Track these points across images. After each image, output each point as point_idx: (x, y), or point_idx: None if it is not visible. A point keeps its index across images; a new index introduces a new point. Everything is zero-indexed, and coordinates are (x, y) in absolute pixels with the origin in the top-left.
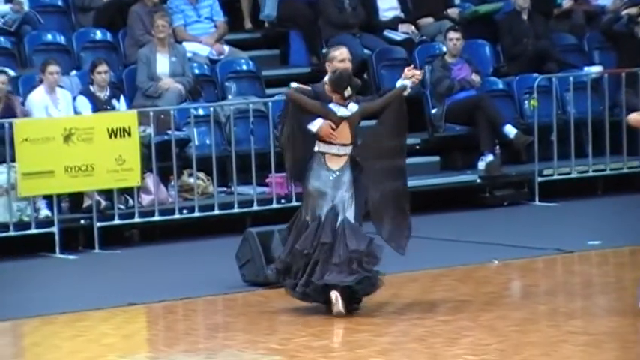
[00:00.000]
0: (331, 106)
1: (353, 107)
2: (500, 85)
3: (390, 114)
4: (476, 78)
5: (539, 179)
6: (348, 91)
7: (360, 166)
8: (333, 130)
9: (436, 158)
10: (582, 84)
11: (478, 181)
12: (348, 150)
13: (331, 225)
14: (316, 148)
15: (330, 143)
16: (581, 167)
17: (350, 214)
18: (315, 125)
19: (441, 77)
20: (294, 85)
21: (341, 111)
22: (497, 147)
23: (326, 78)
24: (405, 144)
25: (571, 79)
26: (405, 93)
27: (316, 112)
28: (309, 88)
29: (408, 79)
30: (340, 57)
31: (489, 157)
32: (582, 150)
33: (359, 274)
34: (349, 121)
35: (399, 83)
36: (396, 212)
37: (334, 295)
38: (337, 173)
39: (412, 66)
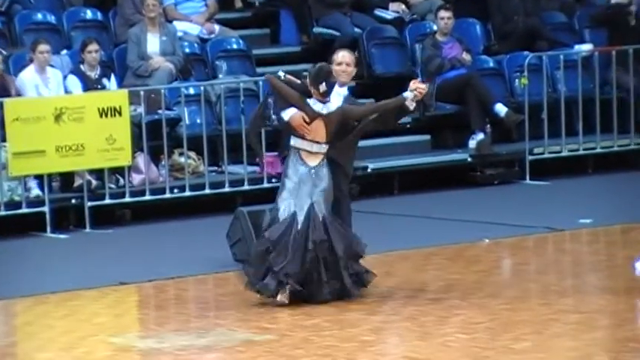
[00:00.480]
0: (309, 100)
1: (332, 107)
2: (491, 64)
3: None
4: (466, 57)
5: (530, 157)
6: (322, 87)
7: (336, 163)
8: (307, 123)
9: (427, 137)
10: (573, 62)
11: (469, 159)
12: (322, 148)
13: (319, 222)
14: (291, 142)
15: (303, 138)
16: (572, 145)
17: (327, 210)
18: (288, 113)
19: (431, 56)
20: (281, 74)
21: (317, 107)
22: (488, 125)
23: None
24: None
25: (562, 57)
26: (411, 107)
27: (292, 102)
28: (299, 81)
29: (411, 91)
30: (338, 60)
31: (480, 136)
32: (573, 128)
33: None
34: (325, 119)
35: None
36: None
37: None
38: (314, 169)
39: (418, 80)
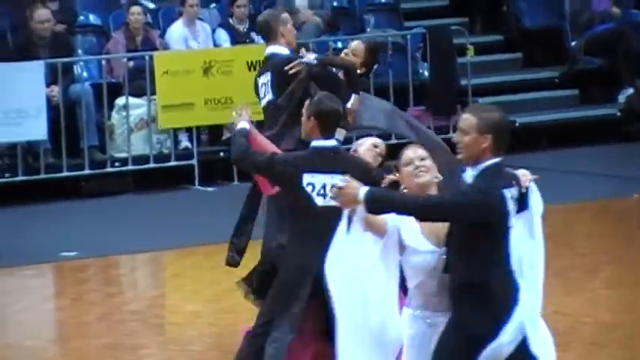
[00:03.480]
0: None
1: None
2: None
3: None
4: (616, 10)
5: None
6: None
7: None
8: None
9: (575, 91)
10: None
11: (618, 114)
12: None
13: None
14: None
15: None
16: None
17: None
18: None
19: (580, 9)
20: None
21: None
22: (638, 80)
23: None
24: None
25: None
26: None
27: None
28: None
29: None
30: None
31: (629, 91)
32: None
33: None
34: None
35: None
36: None
37: None
38: None
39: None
